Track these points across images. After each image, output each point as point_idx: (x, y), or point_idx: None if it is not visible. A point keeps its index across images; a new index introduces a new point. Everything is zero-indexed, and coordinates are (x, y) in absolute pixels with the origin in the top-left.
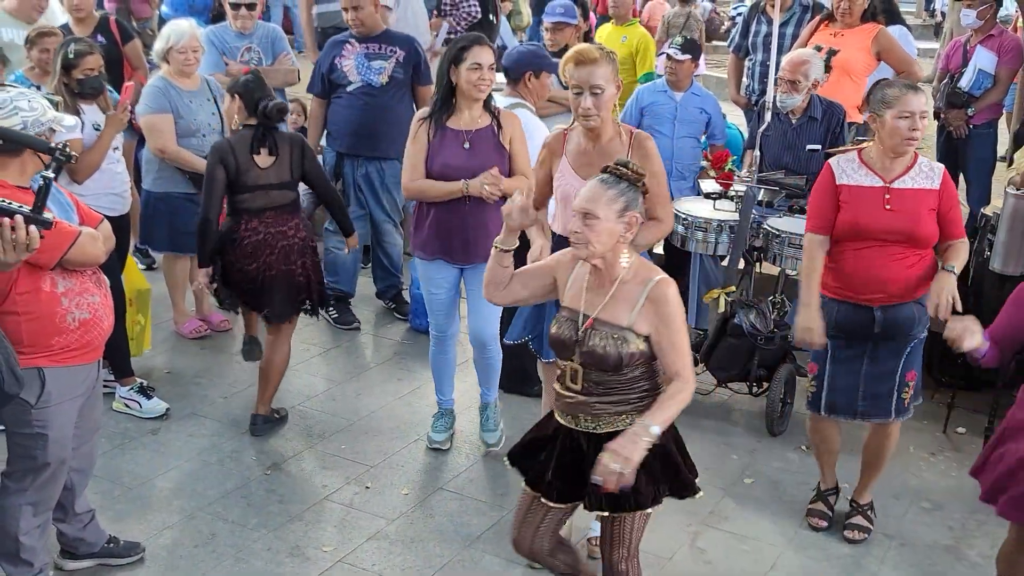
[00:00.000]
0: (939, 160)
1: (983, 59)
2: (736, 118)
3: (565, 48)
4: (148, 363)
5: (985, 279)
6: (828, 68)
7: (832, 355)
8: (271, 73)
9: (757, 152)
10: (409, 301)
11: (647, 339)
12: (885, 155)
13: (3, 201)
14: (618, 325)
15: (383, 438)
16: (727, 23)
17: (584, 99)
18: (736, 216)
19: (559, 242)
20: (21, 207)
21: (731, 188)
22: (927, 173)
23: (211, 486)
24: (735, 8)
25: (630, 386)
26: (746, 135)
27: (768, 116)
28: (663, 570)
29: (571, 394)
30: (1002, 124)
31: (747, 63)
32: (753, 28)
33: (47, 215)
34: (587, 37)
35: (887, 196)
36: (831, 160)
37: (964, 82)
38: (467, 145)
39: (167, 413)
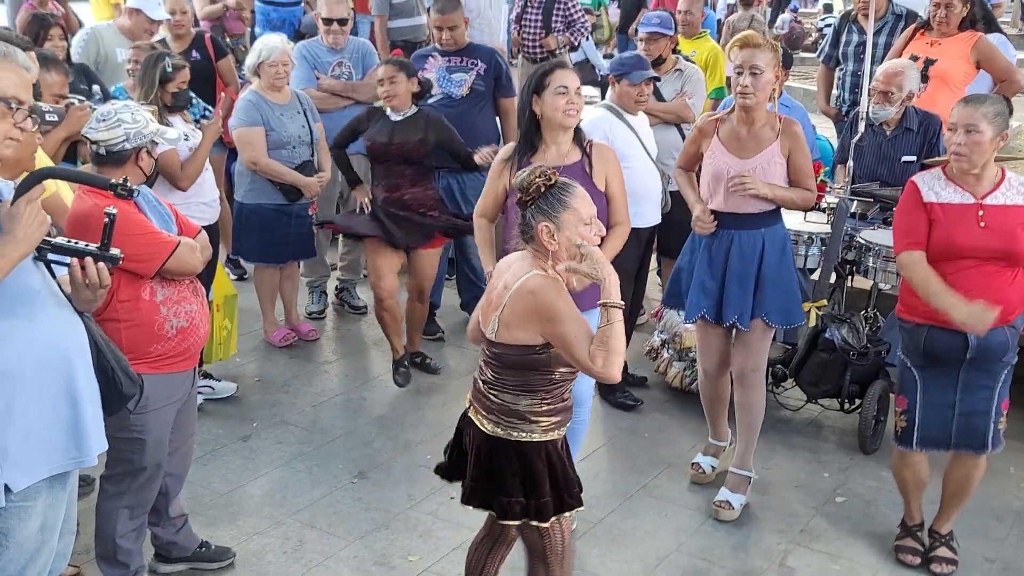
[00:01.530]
0: None
1: None
2: (826, 130)
3: (659, 59)
4: (238, 370)
5: None
6: (925, 78)
7: (923, 387)
8: (361, 87)
9: (851, 163)
10: None
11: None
12: (967, 171)
13: (70, 242)
14: None
15: None
16: (814, 34)
17: (744, 77)
18: (828, 228)
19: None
20: (88, 246)
21: (823, 200)
22: (1018, 188)
23: (299, 493)
24: (822, 19)
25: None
26: (836, 146)
27: (862, 127)
28: None
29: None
30: None
31: (837, 73)
32: (844, 38)
33: (114, 251)
34: (675, 49)
35: (980, 213)
36: (915, 178)
37: None
38: None
39: (237, 391)
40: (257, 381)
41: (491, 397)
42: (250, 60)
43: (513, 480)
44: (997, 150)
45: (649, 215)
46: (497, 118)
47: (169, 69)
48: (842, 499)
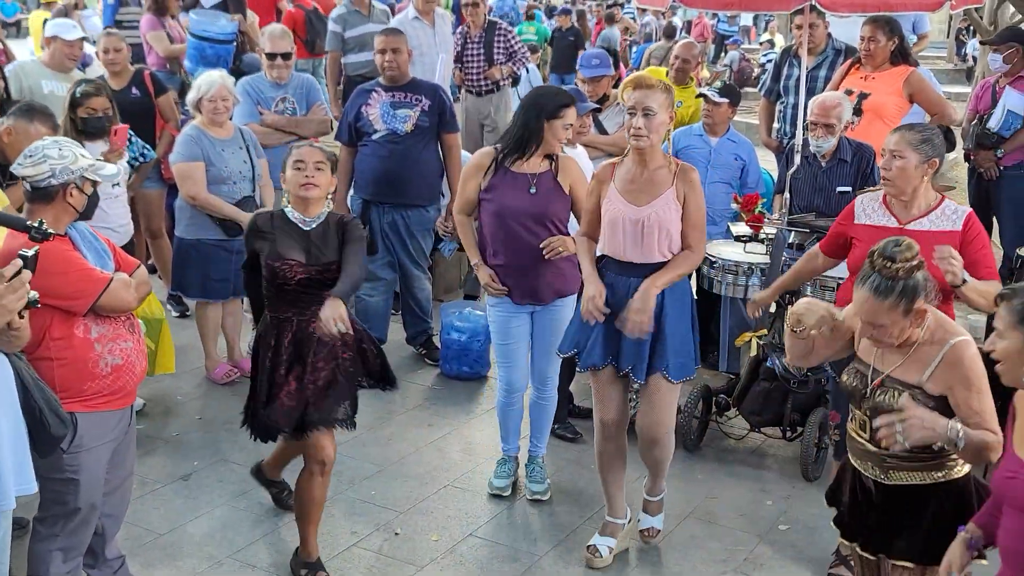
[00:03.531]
0: (971, 202)
1: (1012, 100)
2: (767, 163)
3: (604, 98)
4: (179, 408)
5: None
6: (859, 111)
7: None
8: (304, 123)
9: (787, 194)
10: (440, 347)
11: (939, 399)
12: (895, 196)
13: None
14: (907, 383)
15: (413, 484)
16: (757, 69)
17: (636, 119)
18: (766, 259)
19: (608, 264)
20: None
21: (761, 231)
22: (949, 216)
23: (240, 533)
24: (765, 55)
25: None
26: (776, 178)
27: (797, 159)
28: None
29: (860, 442)
30: None
31: (779, 106)
32: (785, 72)
33: (31, 294)
34: (616, 84)
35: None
36: (858, 198)
37: (993, 123)
38: (533, 190)
39: (144, 408)
40: (199, 419)
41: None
42: (191, 96)
43: None
44: (928, 177)
45: None
46: (441, 154)
47: (78, 95)
48: (785, 527)
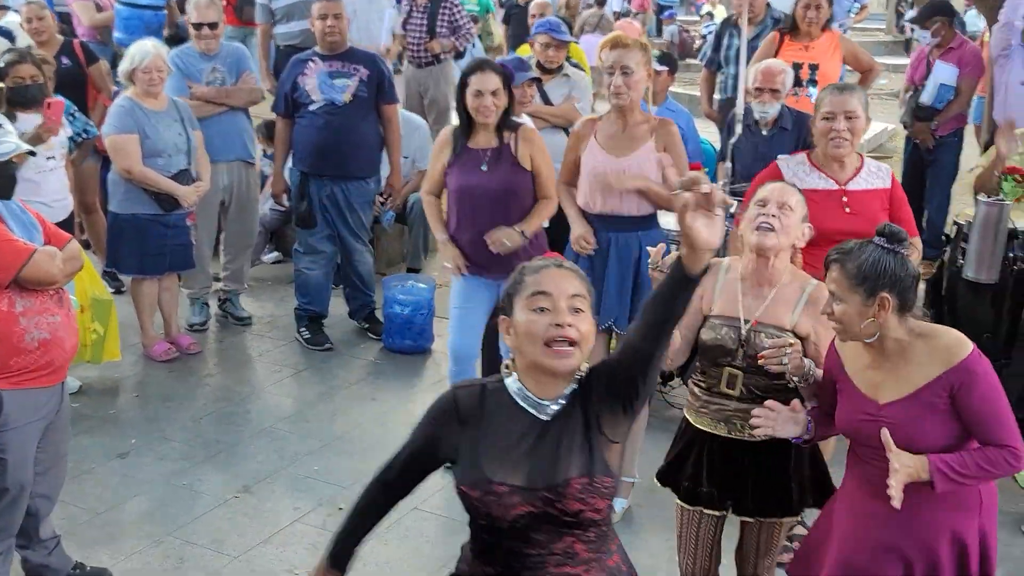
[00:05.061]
0: (905, 170)
1: (943, 73)
2: (710, 133)
3: (560, 67)
4: (116, 386)
5: (959, 288)
6: (814, 82)
7: None
8: (234, 93)
9: (728, 164)
10: (382, 321)
11: (804, 341)
12: (829, 159)
13: None
14: (781, 327)
15: (357, 458)
16: (699, 41)
17: (615, 78)
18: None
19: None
20: None
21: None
22: (876, 173)
23: (180, 510)
24: (706, 27)
25: (784, 391)
26: (717, 149)
27: (739, 128)
28: None
29: (727, 401)
30: (970, 136)
31: (720, 77)
32: (725, 42)
33: None
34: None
35: (845, 199)
36: (779, 160)
37: (926, 97)
38: (485, 167)
39: (80, 388)
40: (136, 397)
41: None
42: (123, 66)
43: None
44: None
45: None
46: (380, 127)
47: (2, 63)
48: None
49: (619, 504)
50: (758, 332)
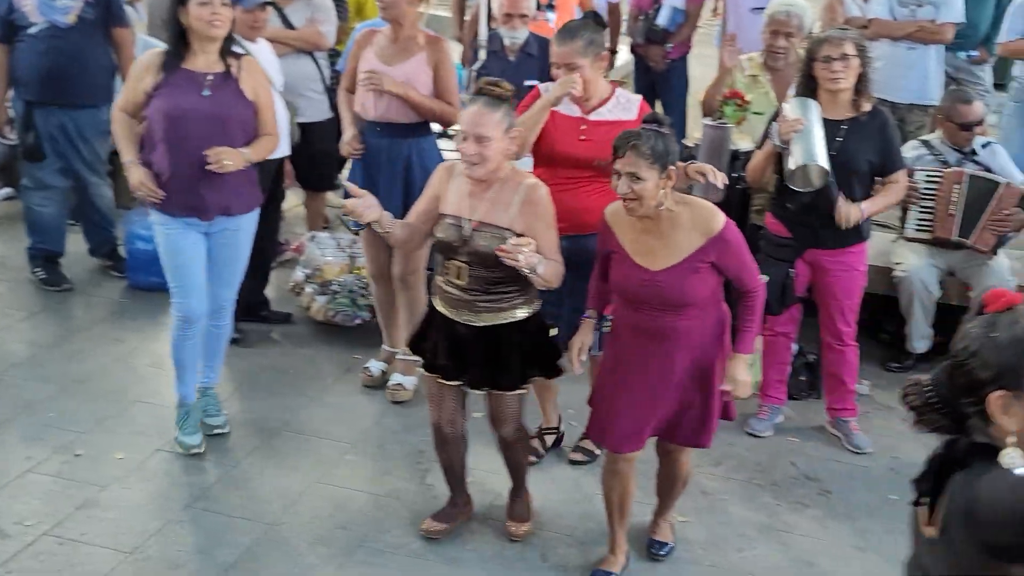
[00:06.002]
0: (637, 91)
1: None
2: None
3: None
4: None
5: None
6: (552, 7)
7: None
8: None
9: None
10: (126, 257)
11: (520, 236)
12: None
13: None
14: (499, 226)
15: (99, 403)
16: None
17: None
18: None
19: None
20: None
21: (450, 128)
22: (624, 105)
23: None
24: None
25: (506, 282)
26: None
27: (482, 54)
28: (393, 507)
29: (455, 290)
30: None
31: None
32: None
33: None
34: None
35: (583, 127)
36: (540, 86)
37: (662, 19)
38: (207, 92)
39: None
40: None
41: None
42: None
43: None
44: (600, 69)
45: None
46: (112, 52)
47: None
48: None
49: (409, 381)
50: (479, 231)
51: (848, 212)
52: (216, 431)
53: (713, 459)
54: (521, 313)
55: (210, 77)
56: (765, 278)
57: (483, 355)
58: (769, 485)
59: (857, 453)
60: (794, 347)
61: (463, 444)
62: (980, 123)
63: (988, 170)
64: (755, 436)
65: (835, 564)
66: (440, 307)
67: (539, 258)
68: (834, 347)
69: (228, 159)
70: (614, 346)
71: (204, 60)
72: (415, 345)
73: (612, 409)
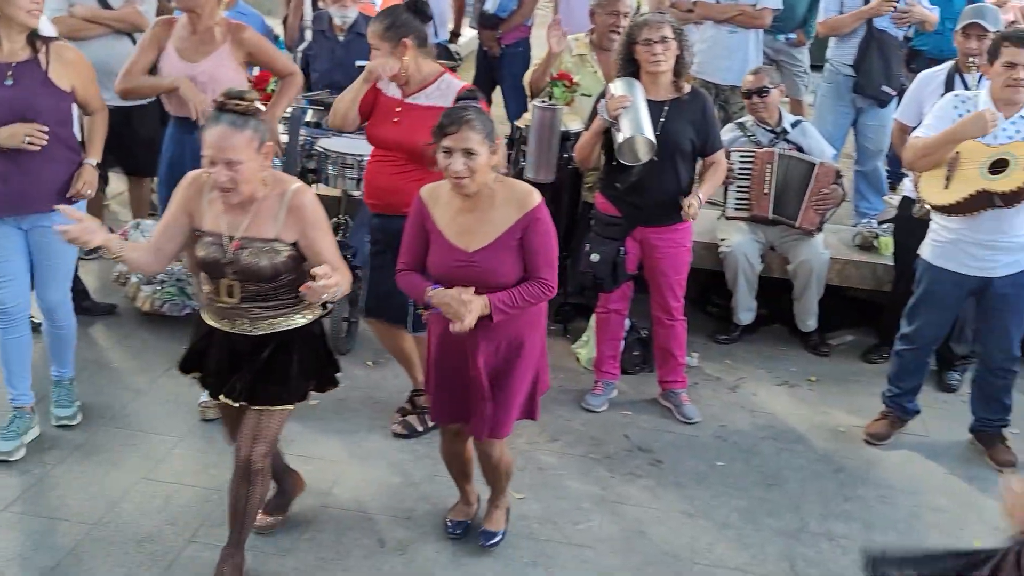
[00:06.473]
0: (477, 76)
1: None
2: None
3: None
4: None
5: None
6: None
7: (370, 262)
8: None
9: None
10: None
11: (294, 245)
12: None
13: None
14: (266, 238)
15: None
16: None
17: None
18: (284, 138)
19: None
20: None
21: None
22: (444, 92)
23: None
24: None
25: (282, 290)
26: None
27: (308, 34)
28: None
29: (228, 305)
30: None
31: None
32: None
33: None
34: None
35: (398, 110)
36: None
37: (489, 6)
38: (9, 81)
39: None
40: None
41: None
42: None
43: None
44: (412, 52)
45: None
46: None
47: None
48: (315, 401)
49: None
50: (245, 247)
51: (690, 205)
52: (63, 422)
53: (550, 435)
54: (301, 319)
55: (13, 66)
56: (597, 257)
57: (259, 366)
58: (604, 458)
59: (687, 423)
60: (627, 323)
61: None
62: (762, 92)
63: (800, 149)
64: (590, 411)
65: (666, 531)
66: (212, 321)
67: (339, 276)
68: (664, 322)
69: (88, 188)
70: (434, 332)
71: (8, 48)
72: (191, 363)
73: (438, 386)
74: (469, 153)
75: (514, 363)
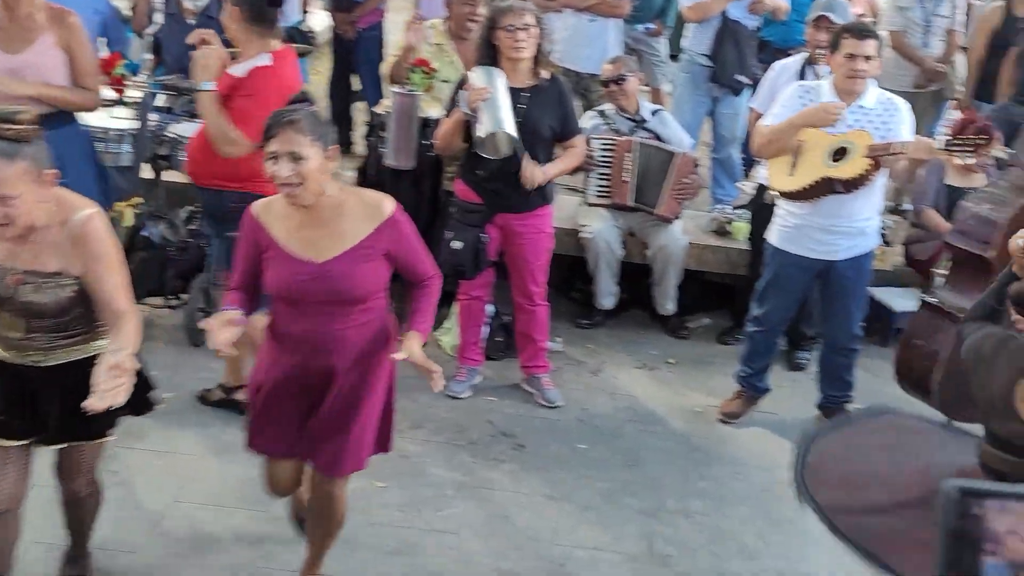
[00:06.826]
0: (334, 61)
1: None
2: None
3: None
4: None
5: (383, 174)
6: None
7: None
8: None
9: (149, 56)
10: None
11: (80, 279)
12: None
13: None
14: (48, 272)
15: None
16: None
17: None
18: (136, 124)
19: None
20: None
21: (124, 94)
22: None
23: None
24: None
25: (75, 322)
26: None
27: (160, 17)
28: None
29: (15, 337)
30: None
31: None
32: None
33: None
34: None
35: (233, 86)
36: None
37: None
38: None
39: None
40: None
41: None
42: None
43: None
44: (252, 33)
45: None
46: None
47: None
48: (171, 394)
49: None
50: (26, 283)
51: (533, 173)
52: None
53: (413, 422)
54: (103, 343)
55: None
56: (459, 244)
57: (59, 400)
58: (467, 444)
59: (549, 407)
60: (489, 309)
61: (18, 522)
62: (620, 80)
63: (658, 137)
64: (454, 398)
65: (529, 515)
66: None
67: (119, 379)
68: (526, 307)
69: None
70: (270, 353)
71: None
72: None
73: (271, 419)
74: (296, 157)
75: (369, 390)
